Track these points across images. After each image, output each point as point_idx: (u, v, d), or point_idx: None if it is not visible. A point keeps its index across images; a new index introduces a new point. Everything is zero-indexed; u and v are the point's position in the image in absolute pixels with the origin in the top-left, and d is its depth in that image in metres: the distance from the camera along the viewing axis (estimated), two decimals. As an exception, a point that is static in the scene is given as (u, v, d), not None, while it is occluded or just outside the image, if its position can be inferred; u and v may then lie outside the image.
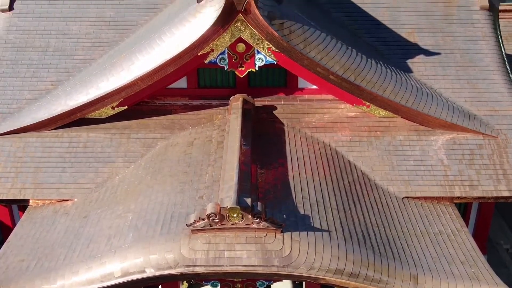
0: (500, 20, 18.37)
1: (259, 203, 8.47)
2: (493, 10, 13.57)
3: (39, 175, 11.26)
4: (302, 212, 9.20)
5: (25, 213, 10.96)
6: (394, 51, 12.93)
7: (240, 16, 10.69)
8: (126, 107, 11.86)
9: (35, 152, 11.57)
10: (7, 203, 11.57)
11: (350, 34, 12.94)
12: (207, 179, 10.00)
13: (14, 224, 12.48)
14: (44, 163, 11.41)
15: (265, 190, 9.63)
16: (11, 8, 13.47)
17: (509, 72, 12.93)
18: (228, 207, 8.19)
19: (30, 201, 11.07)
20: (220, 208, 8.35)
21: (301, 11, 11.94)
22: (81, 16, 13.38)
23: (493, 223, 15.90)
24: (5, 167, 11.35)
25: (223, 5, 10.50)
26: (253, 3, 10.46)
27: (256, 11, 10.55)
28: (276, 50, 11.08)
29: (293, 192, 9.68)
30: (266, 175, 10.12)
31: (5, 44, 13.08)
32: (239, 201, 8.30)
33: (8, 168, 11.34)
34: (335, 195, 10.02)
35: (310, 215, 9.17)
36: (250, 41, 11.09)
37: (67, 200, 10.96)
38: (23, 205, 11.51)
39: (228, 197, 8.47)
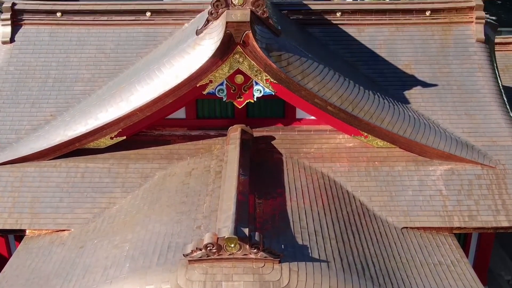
0: (496, 52, 18.64)
1: (256, 233, 8.41)
2: (489, 43, 13.73)
3: (36, 205, 11.22)
4: (300, 242, 9.13)
5: (21, 243, 10.89)
6: (392, 82, 13.04)
7: (239, 48, 10.82)
8: (124, 137, 11.89)
9: (33, 182, 11.55)
10: (4, 233, 11.51)
11: (347, 66, 13.07)
12: (205, 209, 9.95)
13: (10, 254, 12.39)
14: (42, 193, 11.38)
15: (263, 220, 9.58)
16: (12, 40, 13.61)
17: (506, 103, 13.03)
18: (226, 237, 8.13)
19: (27, 231, 11.00)
20: (218, 238, 8.28)
21: (299, 44, 12.09)
22: (82, 48, 13.52)
23: (493, 254, 15.77)
24: (2, 197, 11.30)
25: (221, 38, 10.64)
26: (251, 36, 10.60)
27: (255, 43, 10.68)
28: (274, 81, 11.18)
29: (291, 222, 9.63)
30: (264, 205, 10.07)
31: (6, 75, 13.18)
32: (237, 231, 8.24)
33: (5, 198, 11.30)
34: (333, 225, 9.97)
35: (309, 245, 9.09)
36: (248, 73, 11.20)
37: (64, 230, 10.89)
38: (19, 235, 11.43)
39: (225, 227, 8.41)
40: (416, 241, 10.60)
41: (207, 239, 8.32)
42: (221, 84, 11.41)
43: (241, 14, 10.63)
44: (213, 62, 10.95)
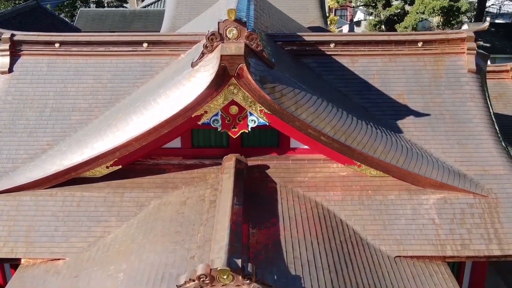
0: (490, 80, 18.99)
1: (249, 264, 8.47)
2: (480, 73, 13.94)
3: (31, 234, 11.28)
4: (293, 272, 9.19)
5: (16, 272, 10.93)
6: (385, 112, 13.22)
7: (233, 80, 11.01)
8: (120, 166, 12.01)
9: (28, 211, 11.62)
10: (-2, 263, 11.56)
11: (341, 96, 13.26)
12: (199, 239, 10.02)
13: (5, 281, 12.40)
14: (37, 222, 11.45)
15: (256, 250, 9.64)
16: (10, 70, 13.81)
17: (498, 132, 13.18)
18: (219, 268, 8.19)
19: (22, 260, 11.03)
20: (211, 269, 8.34)
21: (293, 74, 12.30)
22: (79, 78, 13.70)
23: (489, 280, 15.77)
24: (-2, 226, 11.39)
25: (216, 70, 10.83)
26: (245, 69, 10.80)
27: (249, 76, 10.87)
28: (268, 112, 11.35)
29: (284, 252, 9.69)
30: (258, 234, 10.14)
31: (3, 104, 13.34)
32: (230, 262, 8.30)
33: (0, 227, 11.36)
34: (326, 254, 10.03)
35: (301, 276, 9.15)
36: (243, 104, 11.38)
37: (59, 259, 10.93)
38: (15, 263, 11.47)
39: (218, 258, 8.47)
40: (409, 270, 10.66)
41: (200, 270, 8.37)
42: (216, 114, 11.57)
43: (235, 47, 10.84)
44: (208, 93, 11.13)
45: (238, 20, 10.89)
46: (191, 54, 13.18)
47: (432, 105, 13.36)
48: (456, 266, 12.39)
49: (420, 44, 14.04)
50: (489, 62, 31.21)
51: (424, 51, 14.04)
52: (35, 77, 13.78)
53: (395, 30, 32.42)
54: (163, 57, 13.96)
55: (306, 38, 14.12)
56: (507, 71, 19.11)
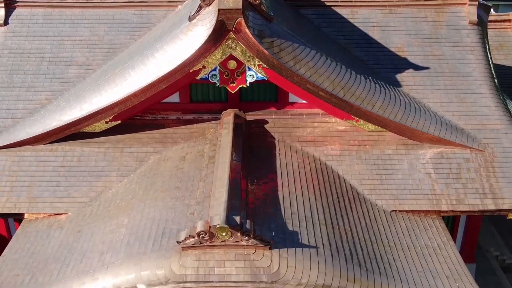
0: (491, 30, 18.75)
1: (248, 221, 8.66)
2: (481, 25, 13.77)
3: (33, 189, 11.45)
4: (290, 228, 9.40)
5: (19, 226, 11.16)
6: (384, 65, 13.14)
7: (231, 34, 10.89)
8: (119, 121, 12.06)
9: (30, 166, 11.76)
10: (2, 216, 11.81)
11: (340, 49, 13.15)
12: (198, 194, 10.19)
13: (10, 234, 12.70)
14: (39, 177, 11.61)
15: (255, 206, 9.83)
16: (6, 23, 13.65)
17: (497, 86, 13.16)
18: (218, 226, 8.39)
19: (25, 215, 11.26)
20: (210, 226, 8.55)
21: (292, 27, 12.16)
22: (76, 31, 13.56)
23: (483, 230, 16.16)
24: (0, 181, 11.53)
25: (214, 25, 10.71)
26: (243, 23, 10.67)
27: (247, 30, 10.75)
28: (267, 67, 11.28)
29: (282, 208, 9.88)
30: (256, 190, 10.31)
31: (0, 59, 13.25)
32: (228, 219, 8.49)
33: (3, 182, 11.53)
34: (323, 210, 10.23)
35: (299, 231, 9.37)
36: (241, 58, 11.29)
37: (62, 214, 11.15)
38: (18, 218, 11.71)
39: (217, 215, 8.66)
40: (404, 224, 10.89)
41: (199, 227, 8.59)
42: (214, 69, 11.51)
43: (233, 1, 10.66)
44: (206, 48, 11.03)
45: (235, -27, 10.67)
46: (189, 6, 12.96)
47: (432, 58, 13.27)
48: (451, 220, 12.65)
49: (421, -5, 13.81)
50: (492, 11, 30.66)
51: (425, 2, 13.83)
52: (31, 29, 13.62)
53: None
54: (160, 8, 13.80)
55: (306, -12, 13.86)
56: (509, 20, 18.77)
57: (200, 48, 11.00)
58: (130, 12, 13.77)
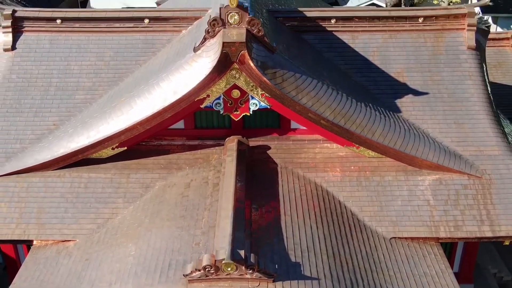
0: (490, 48, 19.06)
1: (252, 255, 8.97)
2: (480, 50, 14.03)
3: (42, 215, 11.75)
4: (293, 259, 9.69)
5: (29, 253, 11.46)
6: (384, 90, 13.41)
7: (235, 65, 11.17)
8: (125, 147, 12.34)
9: (38, 193, 12.05)
10: (12, 243, 12.09)
11: (341, 75, 13.43)
12: (203, 224, 10.48)
13: (19, 257, 12.99)
14: (47, 204, 11.90)
15: (258, 236, 10.12)
16: (13, 47, 13.91)
17: (495, 110, 13.41)
18: (223, 262, 8.68)
19: (34, 241, 11.55)
20: (215, 260, 8.84)
21: (293, 53, 12.46)
22: (82, 56, 13.83)
23: (481, 248, 16.38)
24: (9, 208, 11.84)
25: (218, 56, 11.00)
26: (247, 55, 10.96)
27: (250, 62, 11.04)
28: (270, 96, 11.57)
29: (285, 238, 10.18)
30: (260, 219, 10.60)
31: (8, 83, 13.53)
32: (234, 254, 8.80)
33: (12, 209, 11.83)
34: (325, 239, 10.52)
35: (301, 262, 9.67)
36: (244, 88, 11.58)
37: (70, 240, 11.45)
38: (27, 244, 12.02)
39: (223, 248, 8.96)
40: (404, 251, 11.18)
41: (205, 260, 8.89)
42: (218, 98, 11.80)
43: (237, 33, 10.96)
44: (210, 78, 11.33)
45: (240, 6, 10.95)
46: (193, 32, 13.27)
47: (431, 83, 13.54)
48: (449, 244, 12.92)
49: (421, 20, 14.08)
50: (490, 20, 30.94)
51: (424, 27, 14.10)
52: (38, 54, 13.89)
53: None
54: (164, 33, 14.05)
55: (307, 14, 14.13)
56: (507, 38, 19.10)
57: (205, 78, 11.30)
58: (135, 37, 14.04)
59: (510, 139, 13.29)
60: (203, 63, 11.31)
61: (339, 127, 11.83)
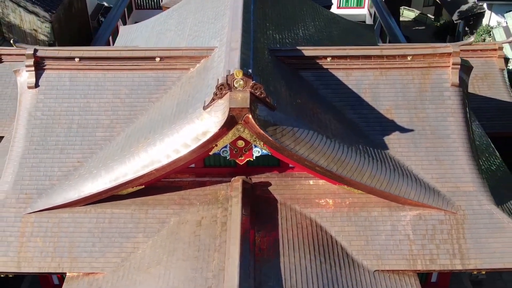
0: (477, 59, 20.33)
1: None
2: (462, 85, 15.32)
3: (73, 249, 13.51)
4: (290, 303, 11.57)
5: (64, 283, 13.31)
6: (373, 128, 14.84)
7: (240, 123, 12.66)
8: (143, 186, 13.97)
9: (68, 228, 13.76)
10: (49, 274, 13.92)
11: (335, 112, 14.85)
12: (214, 266, 12.26)
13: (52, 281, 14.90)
14: (77, 238, 13.63)
15: (262, 281, 11.93)
16: (36, 85, 15.22)
17: (474, 145, 14.80)
18: (232, 319, 10.56)
19: (67, 273, 13.40)
20: (226, 312, 10.72)
21: (291, 90, 13.88)
22: (100, 93, 15.17)
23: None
24: (44, 242, 13.59)
25: (226, 118, 12.41)
26: (250, 117, 12.39)
27: (253, 122, 12.47)
28: (270, 147, 13.08)
29: (283, 281, 11.99)
30: (263, 263, 12.35)
31: (34, 120, 14.94)
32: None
33: (47, 243, 13.57)
34: (317, 279, 12.35)
35: (297, 306, 11.55)
36: (248, 139, 13.05)
37: (98, 273, 13.29)
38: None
39: (231, 301, 10.81)
40: (385, 283, 13.04)
41: (217, 311, 10.76)
42: (225, 147, 13.31)
43: (241, 98, 12.36)
44: (218, 134, 12.79)
45: (244, 74, 12.29)
46: (202, 73, 14.61)
47: (416, 120, 14.94)
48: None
49: (409, 58, 15.33)
50: (485, 6, 31.41)
51: (412, 65, 15.36)
52: (59, 92, 15.20)
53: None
54: (174, 71, 15.36)
55: (305, 53, 15.39)
56: (495, 49, 20.21)
57: (214, 134, 12.75)
58: (147, 74, 15.34)
59: (487, 175, 14.83)
60: (212, 120, 12.73)
61: (332, 173, 13.41)
